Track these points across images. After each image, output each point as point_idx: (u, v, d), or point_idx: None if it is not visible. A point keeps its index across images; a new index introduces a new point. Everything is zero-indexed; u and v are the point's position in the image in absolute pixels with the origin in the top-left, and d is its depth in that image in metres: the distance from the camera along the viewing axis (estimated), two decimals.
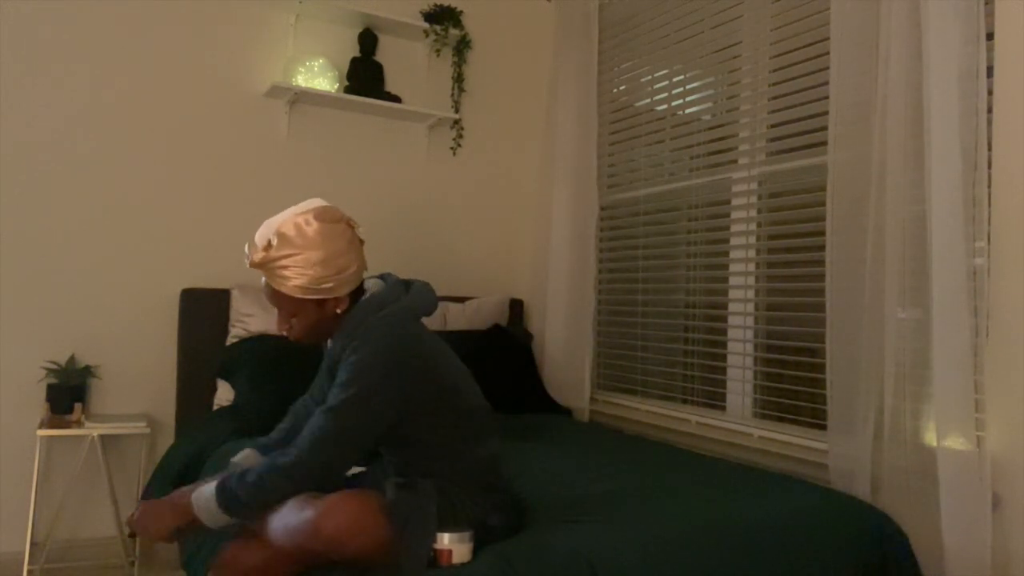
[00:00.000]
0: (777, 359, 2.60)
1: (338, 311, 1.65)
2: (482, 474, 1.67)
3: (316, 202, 1.68)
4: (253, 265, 1.61)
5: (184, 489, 1.61)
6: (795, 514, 1.87)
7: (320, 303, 1.63)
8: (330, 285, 1.61)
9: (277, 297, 1.63)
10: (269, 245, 1.60)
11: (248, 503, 1.51)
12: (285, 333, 1.68)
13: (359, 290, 1.71)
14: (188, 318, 2.94)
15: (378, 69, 3.37)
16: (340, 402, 1.54)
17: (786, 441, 2.44)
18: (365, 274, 1.74)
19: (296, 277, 1.59)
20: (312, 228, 1.60)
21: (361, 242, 1.71)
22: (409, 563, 1.45)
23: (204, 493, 1.54)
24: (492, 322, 3.38)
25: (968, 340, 1.87)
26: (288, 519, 1.47)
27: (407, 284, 1.75)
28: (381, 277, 1.78)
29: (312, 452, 1.52)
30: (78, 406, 2.71)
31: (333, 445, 1.53)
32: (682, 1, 2.99)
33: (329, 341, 1.79)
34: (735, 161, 2.76)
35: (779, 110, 2.56)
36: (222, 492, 1.53)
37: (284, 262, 1.58)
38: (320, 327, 1.67)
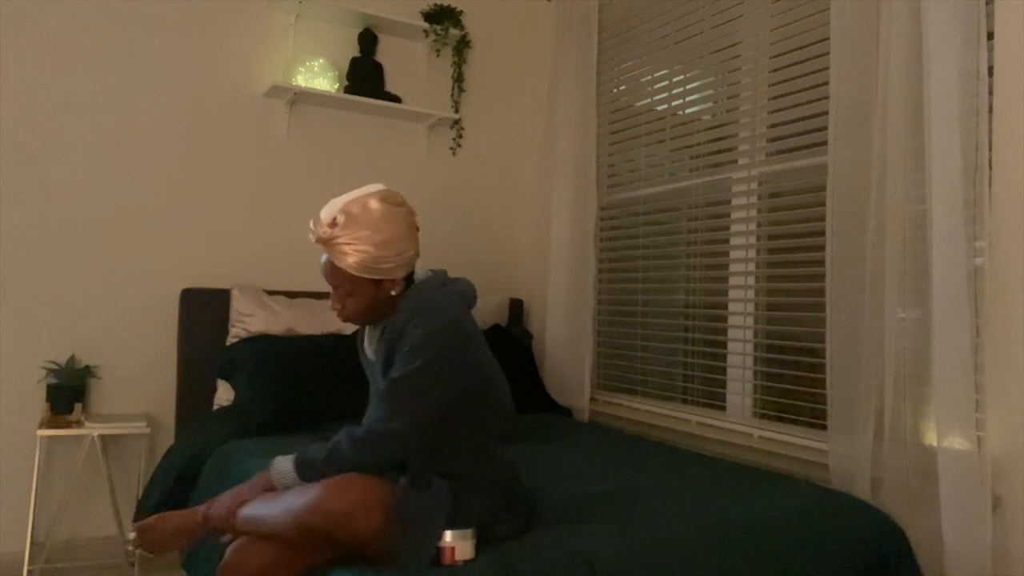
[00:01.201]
0: (777, 359, 2.60)
1: (392, 293, 1.68)
2: (502, 478, 1.67)
3: (379, 185, 1.73)
4: (319, 240, 1.65)
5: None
6: (795, 514, 1.87)
7: (377, 283, 1.67)
8: (389, 266, 1.65)
9: (337, 274, 1.67)
10: (335, 222, 1.64)
11: (324, 472, 1.55)
12: (337, 312, 1.72)
13: (410, 277, 1.75)
14: (188, 318, 2.94)
15: (378, 69, 3.37)
16: (409, 371, 1.57)
17: (786, 441, 2.44)
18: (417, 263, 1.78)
19: (357, 254, 1.63)
20: (378, 209, 1.65)
21: (417, 229, 1.75)
22: (411, 560, 1.45)
23: (281, 464, 1.61)
24: (492, 322, 3.38)
25: (968, 340, 1.87)
26: (294, 500, 1.49)
27: (453, 280, 1.80)
28: (431, 271, 1.81)
29: (386, 419, 1.55)
30: (78, 406, 2.71)
31: (407, 412, 1.56)
32: (682, 1, 2.99)
33: (366, 337, 1.82)
34: (735, 161, 2.76)
35: (779, 110, 2.56)
36: (301, 462, 1.58)
37: (348, 238, 1.62)
38: (373, 308, 1.70)
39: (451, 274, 1.84)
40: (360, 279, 1.66)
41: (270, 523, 1.51)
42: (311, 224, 1.68)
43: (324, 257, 1.69)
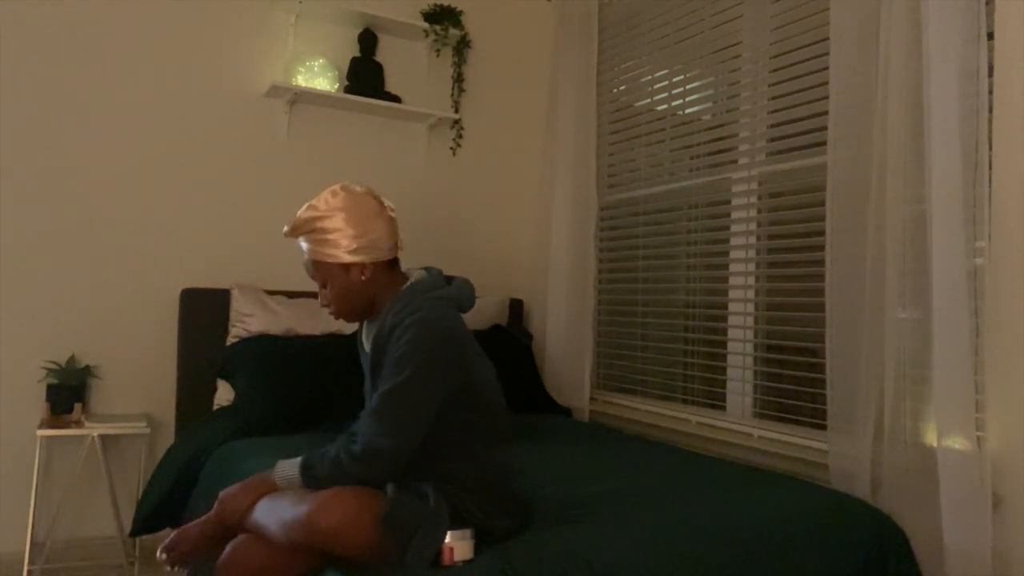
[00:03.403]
0: (777, 359, 2.60)
1: (363, 278, 1.71)
2: (492, 480, 1.67)
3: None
4: (288, 234, 1.73)
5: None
6: (795, 514, 1.87)
7: (346, 268, 1.71)
8: (354, 246, 1.69)
9: (312, 265, 1.74)
10: (302, 215, 1.72)
11: (328, 486, 1.56)
12: (327, 309, 1.78)
13: (394, 270, 1.77)
14: (188, 318, 2.94)
15: (378, 69, 3.37)
16: (397, 384, 1.58)
17: (786, 441, 2.44)
18: (403, 259, 1.81)
19: (323, 241, 1.70)
20: (338, 197, 1.72)
21: (393, 219, 1.78)
22: (414, 562, 1.45)
23: (286, 470, 1.63)
24: (492, 322, 3.38)
25: (968, 340, 1.87)
26: (285, 514, 1.49)
27: (449, 279, 1.80)
28: (425, 269, 1.82)
29: (381, 434, 1.56)
30: (78, 406, 2.71)
31: (399, 427, 1.57)
32: (682, 1, 2.99)
33: (363, 332, 1.84)
34: (735, 161, 2.76)
35: (779, 110, 2.56)
36: (307, 474, 1.60)
37: (312, 226, 1.70)
38: (351, 298, 1.73)
39: (451, 274, 1.84)
40: (326, 265, 1.72)
41: (266, 532, 1.52)
42: (285, 228, 1.77)
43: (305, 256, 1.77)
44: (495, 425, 1.70)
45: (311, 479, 1.58)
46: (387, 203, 1.79)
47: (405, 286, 1.74)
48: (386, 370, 1.62)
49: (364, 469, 1.55)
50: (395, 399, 1.57)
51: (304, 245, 1.74)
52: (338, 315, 1.77)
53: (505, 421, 1.73)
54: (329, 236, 1.69)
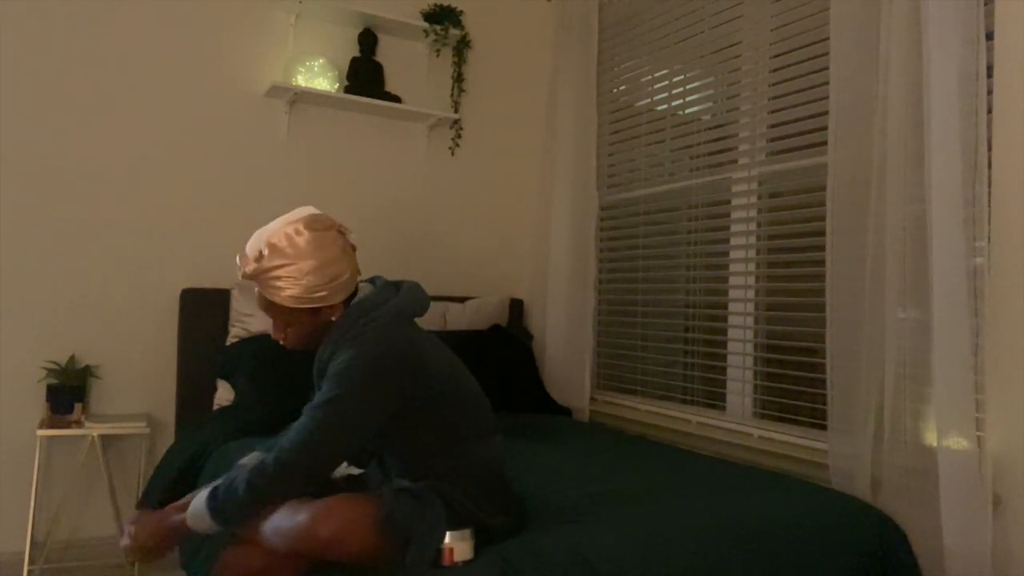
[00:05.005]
0: (777, 359, 2.60)
1: (332, 318, 1.64)
2: (484, 474, 1.66)
3: (306, 210, 1.67)
4: (245, 277, 1.60)
5: (178, 504, 1.60)
6: (795, 514, 1.87)
7: (314, 311, 1.62)
8: (323, 293, 1.60)
9: (271, 307, 1.63)
10: (260, 256, 1.58)
11: (238, 510, 1.50)
12: (281, 341, 1.67)
13: (353, 296, 1.69)
14: (188, 318, 2.94)
15: (378, 69, 3.37)
16: (324, 401, 1.53)
17: (786, 441, 2.44)
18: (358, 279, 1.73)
19: (289, 287, 1.57)
20: (303, 238, 1.58)
21: (353, 248, 1.69)
22: (414, 563, 1.45)
23: (197, 507, 1.52)
24: (492, 322, 3.38)
25: (968, 340, 1.87)
26: (282, 523, 1.47)
27: (396, 285, 1.74)
28: (371, 281, 1.76)
29: (297, 451, 1.51)
30: (78, 406, 2.71)
31: (317, 444, 1.51)
32: (682, 1, 2.99)
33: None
34: (735, 161, 2.76)
35: (779, 110, 2.56)
36: (212, 504, 1.50)
37: (276, 272, 1.57)
38: (315, 335, 1.66)
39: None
40: (295, 310, 1.61)
41: (265, 540, 1.50)
42: (238, 260, 1.63)
43: (256, 289, 1.64)
44: (477, 418, 1.67)
45: (221, 515, 1.49)
46: (345, 230, 1.69)
47: (350, 304, 1.66)
48: (320, 389, 1.58)
49: (275, 484, 1.49)
50: (317, 417, 1.52)
51: (261, 287, 1.60)
52: (297, 348, 1.69)
53: (486, 413, 1.70)
54: (299, 283, 1.57)
